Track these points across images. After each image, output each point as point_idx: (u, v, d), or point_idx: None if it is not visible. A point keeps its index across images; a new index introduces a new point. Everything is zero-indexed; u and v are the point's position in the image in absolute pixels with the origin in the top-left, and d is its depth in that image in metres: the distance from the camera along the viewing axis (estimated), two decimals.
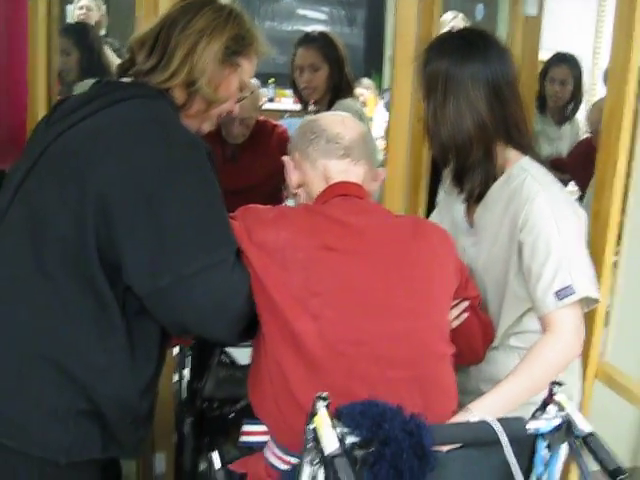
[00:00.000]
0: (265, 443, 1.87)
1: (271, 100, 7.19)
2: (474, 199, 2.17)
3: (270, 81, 7.14)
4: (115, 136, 1.78)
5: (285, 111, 6.35)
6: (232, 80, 1.96)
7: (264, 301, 1.76)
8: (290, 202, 4.09)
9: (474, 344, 2.11)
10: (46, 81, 2.77)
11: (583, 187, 3.88)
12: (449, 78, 2.06)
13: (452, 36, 2.19)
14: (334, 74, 3.64)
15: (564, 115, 4.63)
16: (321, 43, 3.68)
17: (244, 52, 1.96)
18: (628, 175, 2.59)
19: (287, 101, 6.85)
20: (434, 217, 2.47)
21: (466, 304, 2.02)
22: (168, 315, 1.77)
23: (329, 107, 3.64)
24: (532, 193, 2.03)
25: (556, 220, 2.00)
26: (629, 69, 2.37)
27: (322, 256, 1.77)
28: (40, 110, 2.71)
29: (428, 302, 1.83)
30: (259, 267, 1.76)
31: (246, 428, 1.98)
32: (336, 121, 2.02)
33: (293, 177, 2.03)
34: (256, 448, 1.91)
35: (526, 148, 2.16)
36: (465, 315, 2.02)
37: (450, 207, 2.32)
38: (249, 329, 1.86)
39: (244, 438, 1.96)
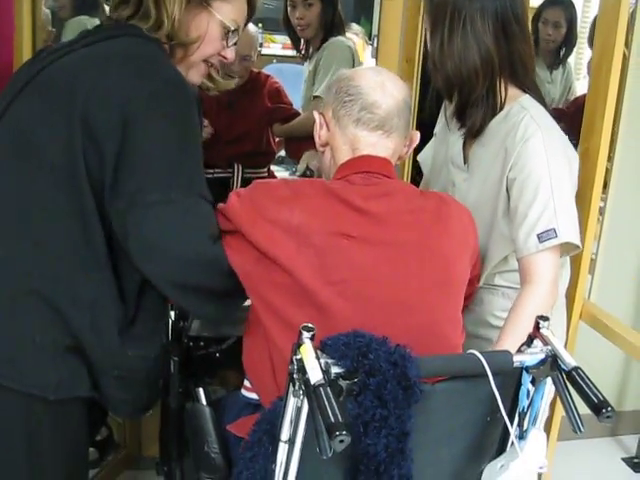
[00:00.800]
0: None
1: (259, 45, 7.10)
2: (473, 135, 2.14)
3: (258, 26, 7.05)
4: (105, 66, 1.76)
5: (273, 56, 6.30)
6: (202, 20, 1.90)
7: (271, 273, 1.72)
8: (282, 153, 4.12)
9: None
10: (31, 25, 2.74)
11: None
12: (457, 10, 2.02)
13: None
14: (327, 10, 3.62)
15: (556, 59, 4.60)
16: None
17: None
18: (615, 123, 2.61)
19: (275, 47, 6.79)
20: (428, 149, 2.45)
21: None
22: (122, 238, 1.74)
23: (317, 49, 3.63)
24: (528, 132, 2.02)
25: (548, 162, 1.99)
26: (620, 9, 2.37)
27: (338, 243, 1.71)
28: (26, 53, 2.69)
29: (445, 294, 1.80)
30: (267, 241, 1.71)
31: (247, 383, 1.97)
32: (376, 85, 1.88)
33: (321, 135, 1.94)
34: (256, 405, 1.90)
35: (528, 86, 2.14)
36: None
37: (446, 140, 2.30)
38: (211, 301, 1.86)
39: (245, 393, 1.95)
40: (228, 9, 1.92)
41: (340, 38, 3.65)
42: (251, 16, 2.05)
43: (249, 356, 1.88)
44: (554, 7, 4.48)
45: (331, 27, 3.65)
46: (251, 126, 3.71)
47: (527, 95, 2.12)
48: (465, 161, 2.20)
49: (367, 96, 1.86)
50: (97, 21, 3.57)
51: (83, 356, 1.80)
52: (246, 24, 2.07)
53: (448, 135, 2.28)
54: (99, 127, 1.70)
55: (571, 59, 4.80)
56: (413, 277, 1.75)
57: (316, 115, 1.96)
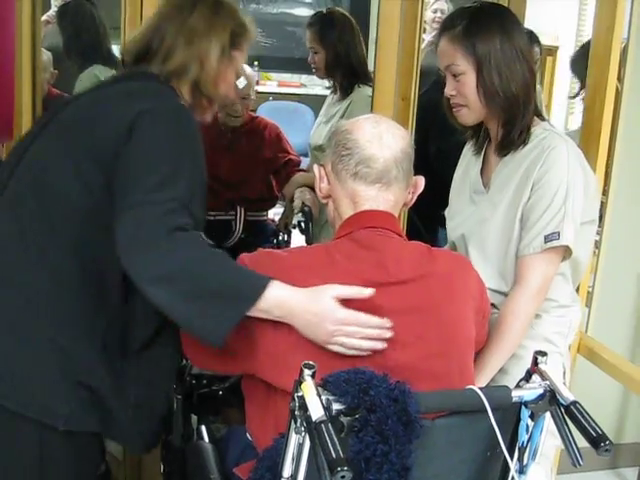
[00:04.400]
0: None
1: (256, 83, 7.14)
2: (515, 146, 2.24)
3: (255, 64, 7.10)
4: (126, 106, 1.85)
5: (269, 94, 6.34)
6: (229, 73, 2.05)
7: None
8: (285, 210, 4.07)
9: None
10: (31, 66, 2.79)
11: None
12: (507, 38, 2.17)
13: (485, 13, 2.23)
14: (329, 57, 3.63)
15: None
16: (317, 26, 3.70)
17: (238, 46, 2.04)
18: (608, 157, 2.65)
19: (271, 84, 6.84)
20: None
21: None
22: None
23: (344, 93, 3.65)
24: (554, 142, 2.18)
25: (568, 171, 2.13)
26: (612, 44, 2.42)
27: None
28: (25, 94, 2.73)
29: (447, 362, 1.79)
30: None
31: None
32: (373, 137, 1.87)
33: (322, 188, 1.95)
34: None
35: (543, 117, 2.30)
36: None
37: (468, 174, 2.41)
38: None
39: (249, 435, 1.96)
40: (242, 57, 2.09)
41: (364, 91, 3.58)
42: None
43: (253, 422, 1.88)
44: None
45: (345, 72, 3.63)
46: (253, 172, 3.74)
47: (546, 122, 2.27)
48: (485, 184, 2.32)
49: (363, 150, 1.86)
50: (111, 71, 3.67)
51: (92, 392, 1.83)
52: None
53: (470, 169, 2.40)
54: (104, 146, 1.78)
55: (564, 95, 4.86)
56: (419, 344, 1.74)
57: (316, 168, 1.97)
